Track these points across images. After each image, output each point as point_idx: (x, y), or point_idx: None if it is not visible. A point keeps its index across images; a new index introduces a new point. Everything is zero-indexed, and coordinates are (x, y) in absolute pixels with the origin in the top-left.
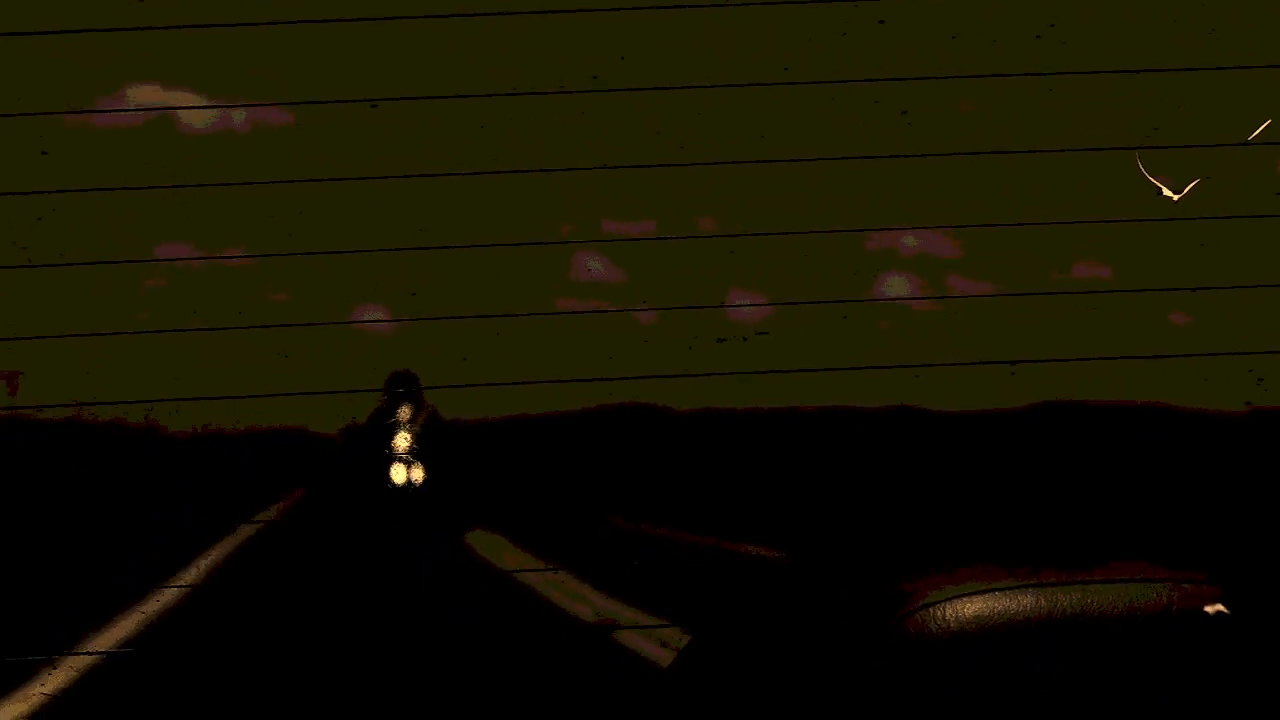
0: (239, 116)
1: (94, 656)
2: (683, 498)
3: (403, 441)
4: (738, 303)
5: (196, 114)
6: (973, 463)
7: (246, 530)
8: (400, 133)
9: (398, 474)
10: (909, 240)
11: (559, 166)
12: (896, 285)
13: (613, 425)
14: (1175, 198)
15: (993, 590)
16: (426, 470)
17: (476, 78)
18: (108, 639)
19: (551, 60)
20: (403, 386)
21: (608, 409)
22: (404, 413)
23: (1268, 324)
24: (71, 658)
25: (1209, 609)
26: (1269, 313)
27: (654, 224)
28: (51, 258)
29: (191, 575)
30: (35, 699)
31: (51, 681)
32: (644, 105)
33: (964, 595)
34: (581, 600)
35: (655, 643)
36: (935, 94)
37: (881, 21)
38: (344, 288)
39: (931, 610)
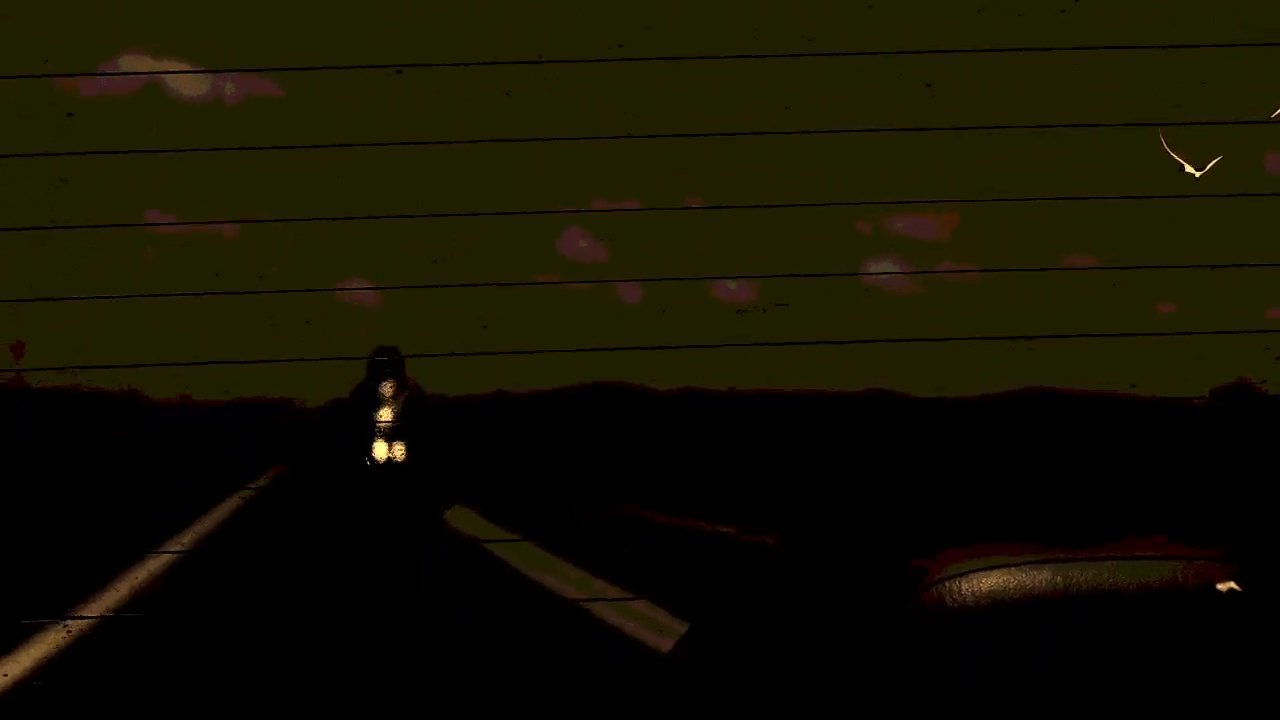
0: (229, 88)
1: (90, 620)
2: (664, 478)
3: (385, 417)
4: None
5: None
6: (950, 447)
7: (233, 502)
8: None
9: (379, 450)
10: (898, 225)
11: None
12: (884, 265)
13: (594, 404)
14: (1198, 175)
15: (1009, 565)
16: (408, 446)
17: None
18: (100, 604)
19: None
20: (386, 363)
21: (588, 388)
22: (387, 389)
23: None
24: (70, 620)
25: (1222, 586)
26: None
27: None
28: (71, 220)
29: (180, 544)
30: (26, 663)
31: (47, 644)
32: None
33: (981, 570)
34: (563, 577)
35: (639, 622)
36: (958, 66)
37: None
38: (330, 259)
39: (948, 585)
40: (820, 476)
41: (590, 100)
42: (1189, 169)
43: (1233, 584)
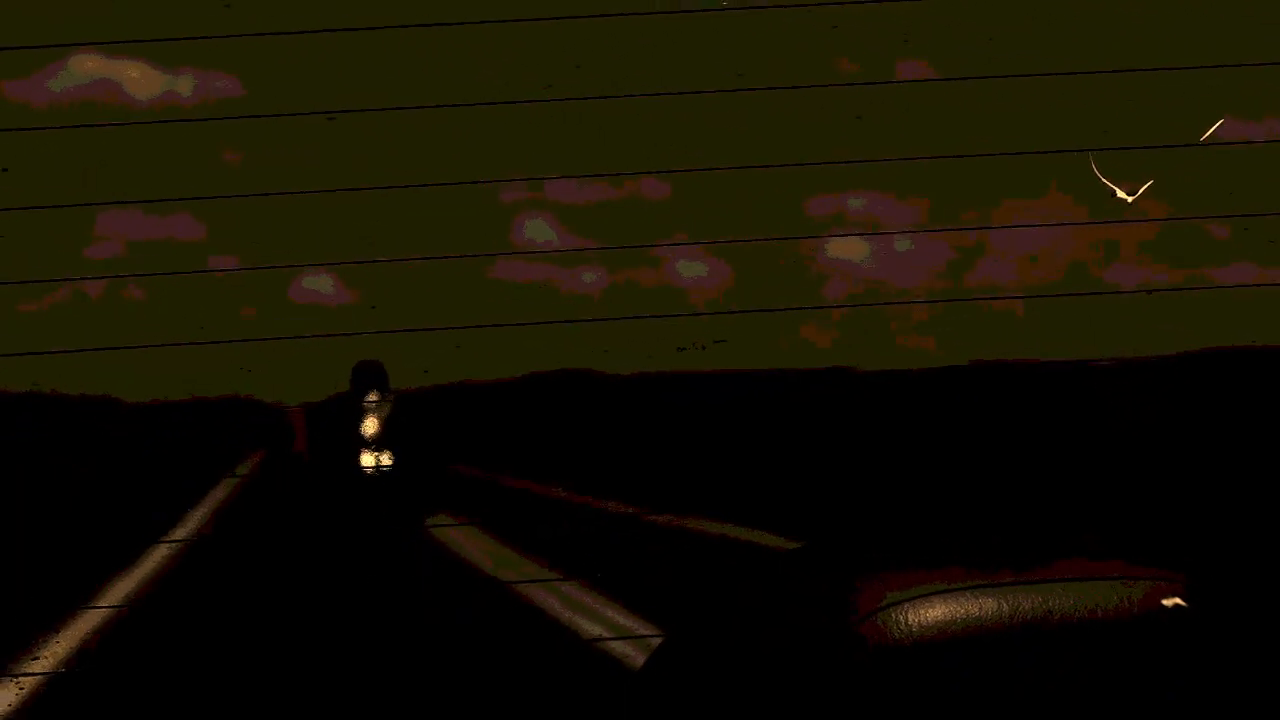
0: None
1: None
2: (624, 462)
3: (370, 427)
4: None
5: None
6: (904, 424)
7: (221, 491)
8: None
9: (367, 459)
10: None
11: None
12: (837, 246)
13: (553, 391)
14: (1130, 199)
15: (955, 590)
16: (394, 455)
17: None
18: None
19: None
20: (368, 375)
21: (546, 375)
22: (371, 399)
23: None
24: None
25: (1166, 602)
26: None
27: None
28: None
29: (167, 544)
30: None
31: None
32: None
33: (925, 596)
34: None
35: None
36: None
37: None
38: (291, 254)
39: (893, 615)
40: (774, 457)
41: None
42: (1120, 194)
43: (1178, 600)
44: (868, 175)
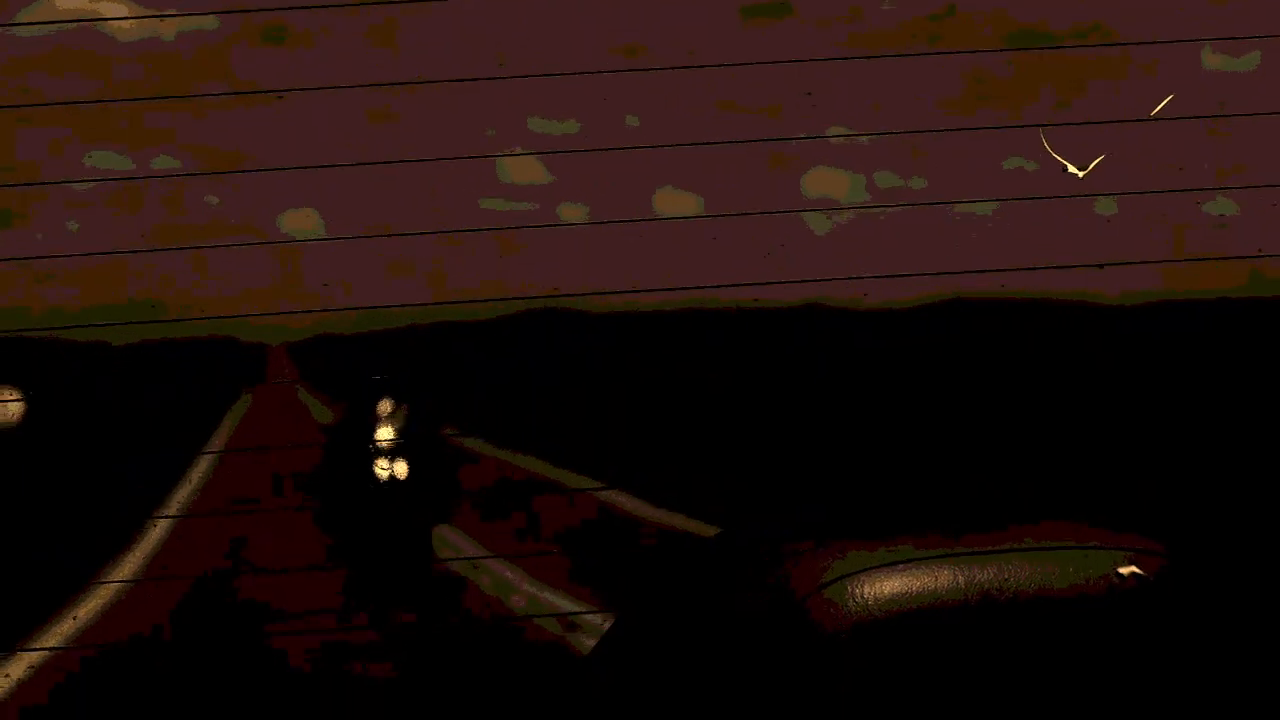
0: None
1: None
2: (598, 405)
3: (385, 437)
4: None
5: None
6: (885, 363)
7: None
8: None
9: (381, 469)
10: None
11: None
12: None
13: (530, 329)
14: (1081, 174)
15: (911, 562)
16: (409, 464)
17: None
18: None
19: None
20: (381, 385)
21: (523, 314)
22: (384, 408)
23: None
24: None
25: (1122, 570)
26: None
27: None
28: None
29: (174, 506)
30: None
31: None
32: None
33: (880, 568)
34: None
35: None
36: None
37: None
38: (273, 196)
39: (848, 588)
40: (745, 400)
41: None
42: (1072, 169)
43: (1134, 568)
44: None
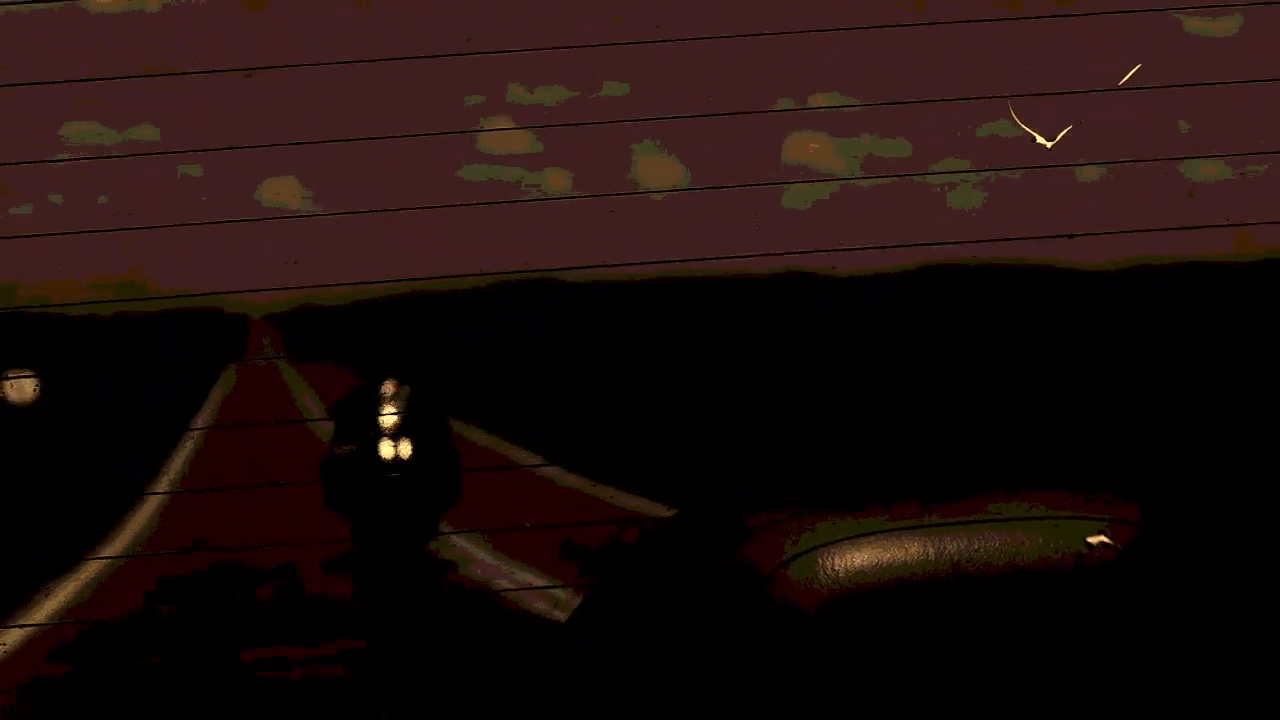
0: None
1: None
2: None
3: (389, 420)
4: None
5: None
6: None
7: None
8: None
9: (385, 450)
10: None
11: None
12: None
13: (513, 297)
14: (1049, 145)
15: (880, 533)
16: (413, 445)
17: None
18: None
19: None
20: (385, 372)
21: (505, 283)
22: (388, 389)
23: None
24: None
25: (1091, 540)
26: None
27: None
28: None
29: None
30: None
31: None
32: None
33: (848, 540)
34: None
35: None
36: None
37: None
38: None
39: (818, 561)
40: (721, 369)
41: None
42: (1040, 139)
43: (1104, 538)
44: None
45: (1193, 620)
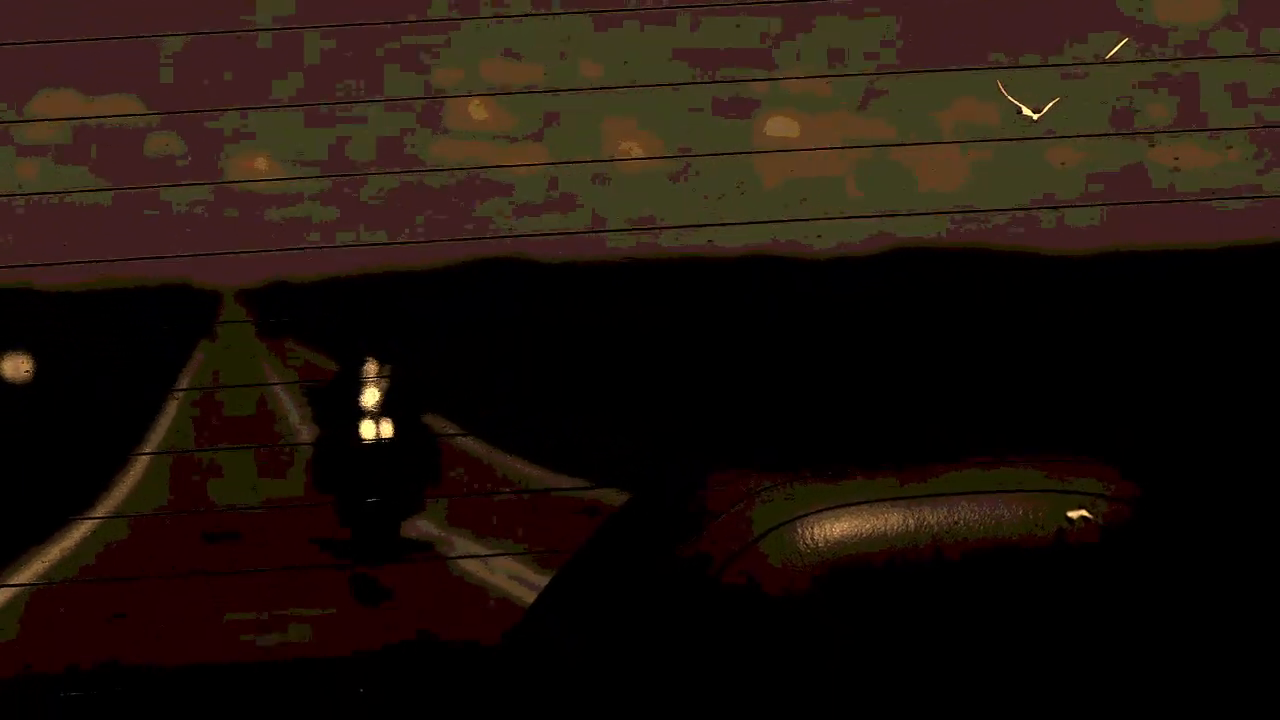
0: None
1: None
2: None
3: (371, 398)
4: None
5: None
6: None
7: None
8: None
9: (367, 429)
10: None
11: None
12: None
13: (485, 277)
14: (1035, 116)
15: (860, 504)
16: (394, 424)
17: None
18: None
19: None
20: (369, 349)
21: (477, 263)
22: (370, 369)
23: None
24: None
25: (1072, 514)
26: None
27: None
28: None
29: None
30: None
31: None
32: None
33: (827, 510)
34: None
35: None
36: None
37: None
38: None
39: (797, 532)
40: (693, 350)
41: None
42: (1026, 111)
43: (1084, 512)
44: None
45: (1172, 596)
